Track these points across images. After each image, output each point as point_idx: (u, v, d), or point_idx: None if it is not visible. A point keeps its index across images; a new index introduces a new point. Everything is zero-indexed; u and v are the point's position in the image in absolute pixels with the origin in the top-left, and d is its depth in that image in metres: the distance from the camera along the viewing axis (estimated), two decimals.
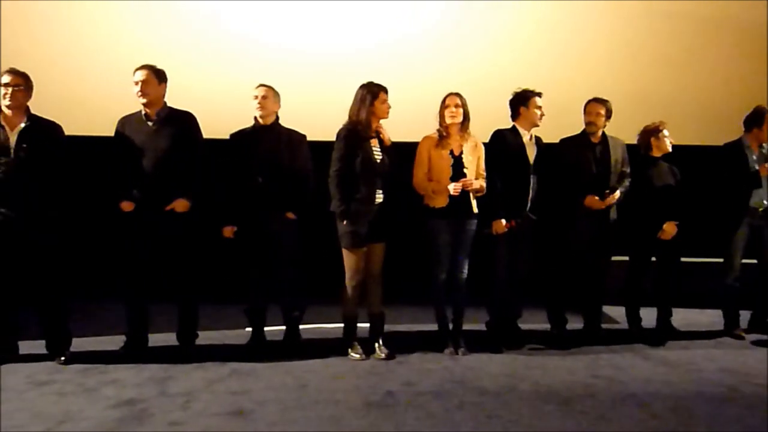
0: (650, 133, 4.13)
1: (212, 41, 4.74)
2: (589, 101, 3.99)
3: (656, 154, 4.12)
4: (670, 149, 4.11)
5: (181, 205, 3.57)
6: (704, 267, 5.00)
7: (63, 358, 3.53)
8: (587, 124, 3.98)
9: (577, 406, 3.06)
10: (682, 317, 4.41)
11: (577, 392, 3.23)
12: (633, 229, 4.11)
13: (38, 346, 3.62)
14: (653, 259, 4.16)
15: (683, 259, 4.22)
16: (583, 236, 3.96)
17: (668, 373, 3.53)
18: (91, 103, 4.47)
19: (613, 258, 4.14)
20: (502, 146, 3.85)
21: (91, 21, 4.64)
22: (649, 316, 4.25)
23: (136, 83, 3.52)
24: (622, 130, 4.12)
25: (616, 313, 4.51)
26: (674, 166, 4.15)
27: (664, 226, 4.02)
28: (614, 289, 4.22)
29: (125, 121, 3.62)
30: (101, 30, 4.65)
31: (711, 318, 4.59)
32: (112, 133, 3.64)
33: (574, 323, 4.15)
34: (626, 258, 4.26)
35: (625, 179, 4.04)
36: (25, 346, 3.64)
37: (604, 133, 4.03)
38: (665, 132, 4.10)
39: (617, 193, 3.96)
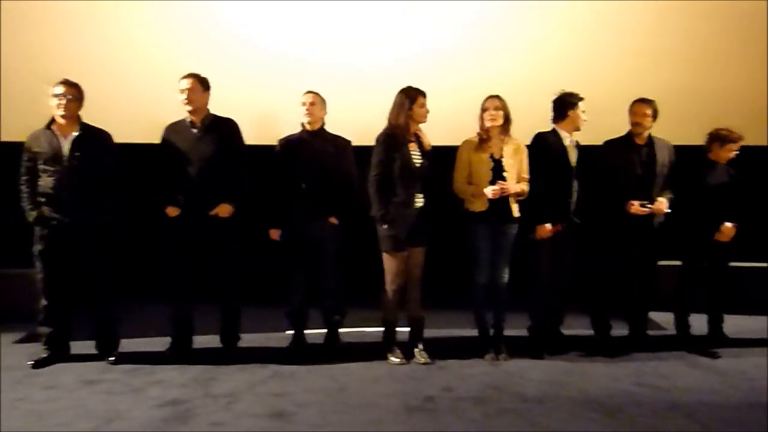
0: (716, 138, 3.96)
1: (257, 51, 4.81)
2: (635, 102, 3.89)
3: (715, 159, 3.99)
4: (729, 157, 3.97)
5: (224, 209, 3.64)
6: (757, 272, 4.83)
7: (112, 359, 3.65)
8: (633, 125, 3.88)
9: (622, 415, 2.99)
10: (733, 324, 4.24)
11: (621, 400, 3.15)
12: (686, 232, 3.99)
13: (88, 347, 3.75)
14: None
15: (735, 264, 4.08)
16: (627, 240, 3.86)
17: (718, 382, 3.41)
18: (136, 111, 4.60)
19: (661, 263, 4.03)
20: (544, 149, 3.79)
21: (137, 31, 4.77)
22: (698, 323, 4.12)
23: (182, 91, 3.62)
24: (671, 132, 4.01)
25: (664, 319, 4.38)
26: (731, 168, 4.01)
27: (722, 227, 3.89)
28: (662, 295, 4.10)
29: (171, 129, 3.72)
30: (148, 40, 4.77)
31: (763, 325, 4.41)
32: (156, 141, 3.74)
33: (620, 329, 4.05)
34: (674, 263, 4.14)
35: (674, 185, 3.92)
36: (76, 347, 3.77)
37: (650, 134, 3.93)
38: (733, 146, 3.93)
39: (664, 203, 3.84)
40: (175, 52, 4.73)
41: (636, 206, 3.80)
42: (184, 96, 3.61)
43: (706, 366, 3.66)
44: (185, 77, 3.64)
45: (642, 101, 3.87)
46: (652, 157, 3.87)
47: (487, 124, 3.66)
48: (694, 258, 4.03)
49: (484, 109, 3.67)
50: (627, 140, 3.91)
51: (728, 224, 3.89)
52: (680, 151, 4.06)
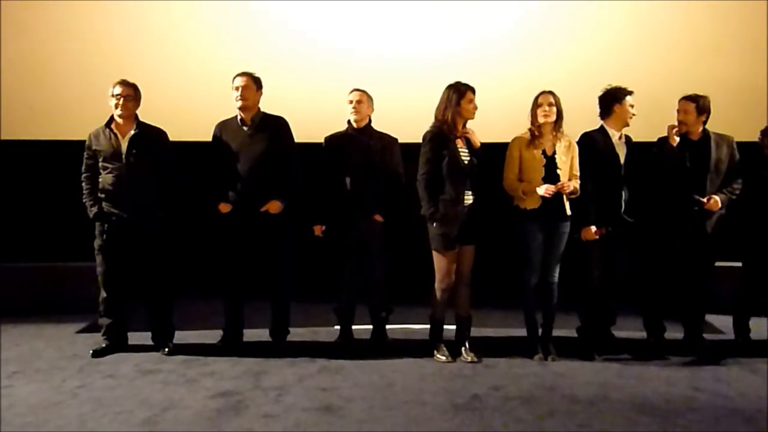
0: (765, 133, 3.85)
1: (302, 49, 4.88)
2: (680, 99, 3.76)
3: None
4: None
5: (274, 206, 3.71)
6: None
7: (167, 350, 3.77)
8: (678, 122, 3.75)
9: (677, 420, 2.89)
10: None
11: (676, 405, 3.05)
12: (748, 232, 3.84)
13: (145, 338, 3.88)
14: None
15: None
16: (678, 240, 3.73)
17: None
18: (188, 109, 4.73)
19: (722, 264, 3.89)
20: (592, 149, 3.70)
21: (187, 28, 4.90)
22: (758, 327, 3.95)
23: (237, 88, 3.68)
24: (731, 127, 3.86)
25: (722, 322, 4.22)
26: None
27: None
28: (720, 297, 3.96)
29: (222, 127, 3.80)
30: (198, 37, 4.90)
31: None
32: (207, 138, 3.82)
33: (675, 332, 3.93)
34: (733, 264, 3.99)
35: (734, 182, 3.78)
36: (134, 338, 3.91)
37: (705, 130, 3.79)
38: None
39: (717, 201, 3.70)
40: (225, 50, 4.84)
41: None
42: (239, 93, 3.67)
43: (766, 372, 3.51)
44: (240, 75, 3.71)
45: (685, 99, 3.72)
46: (706, 153, 3.72)
47: (541, 120, 3.60)
48: (756, 259, 3.87)
49: (537, 105, 3.61)
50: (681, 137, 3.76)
51: None
52: (741, 147, 3.91)
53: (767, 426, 2.84)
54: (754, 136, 3.93)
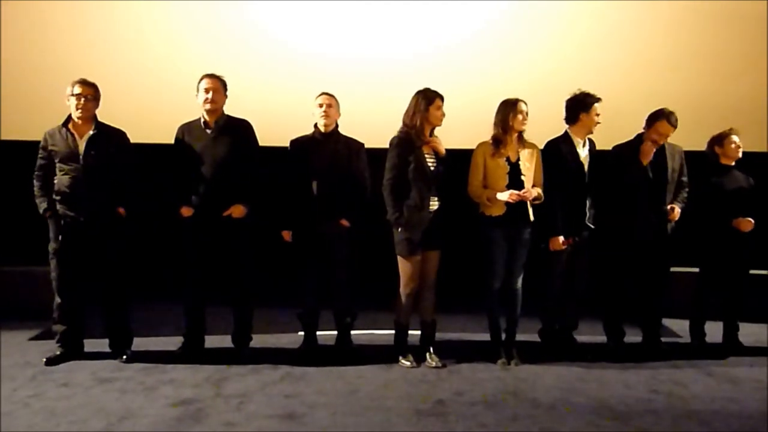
0: (713, 141, 4.00)
1: (267, 51, 4.84)
2: (661, 119, 3.74)
3: (726, 161, 3.96)
4: (738, 155, 3.94)
5: (237, 210, 3.65)
6: None
7: (125, 357, 3.67)
8: (652, 141, 3.76)
9: (636, 422, 2.96)
10: (749, 332, 4.21)
11: (635, 408, 3.12)
12: (703, 239, 3.95)
13: (102, 345, 3.77)
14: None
15: (752, 271, 4.03)
16: (639, 247, 3.82)
17: (733, 391, 3.37)
18: (150, 111, 4.64)
19: (678, 269, 3.99)
20: (557, 158, 3.75)
21: (149, 30, 4.82)
22: (713, 331, 4.07)
23: (206, 90, 3.61)
24: (689, 138, 3.98)
25: (679, 326, 4.33)
26: (749, 176, 3.97)
27: (739, 220, 3.85)
28: (677, 302, 4.06)
29: (185, 129, 3.73)
30: (159, 39, 4.82)
31: None
32: (170, 141, 3.75)
33: (634, 336, 4.01)
34: (689, 269, 4.10)
35: (683, 191, 3.89)
36: (90, 345, 3.79)
37: None
38: (733, 138, 3.93)
39: (677, 210, 3.81)
40: (188, 51, 4.78)
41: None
42: (208, 96, 3.61)
43: (721, 375, 3.61)
44: (209, 77, 3.64)
45: (669, 123, 3.72)
46: (663, 162, 3.82)
47: (518, 127, 3.62)
48: (711, 264, 3.99)
49: (518, 111, 3.60)
50: (637, 144, 3.83)
51: (745, 218, 3.85)
52: (696, 156, 4.03)
53: (722, 427, 2.92)
54: (702, 145, 4.06)
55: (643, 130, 3.85)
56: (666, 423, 2.96)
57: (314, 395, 3.22)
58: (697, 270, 4.08)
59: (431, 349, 3.74)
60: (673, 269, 4.00)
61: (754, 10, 4.77)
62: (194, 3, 4.81)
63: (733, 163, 3.98)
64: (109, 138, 3.61)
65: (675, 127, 3.74)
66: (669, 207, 3.80)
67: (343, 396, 3.22)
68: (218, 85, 3.64)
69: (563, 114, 3.83)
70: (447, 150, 3.66)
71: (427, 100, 3.55)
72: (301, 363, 3.67)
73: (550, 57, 4.85)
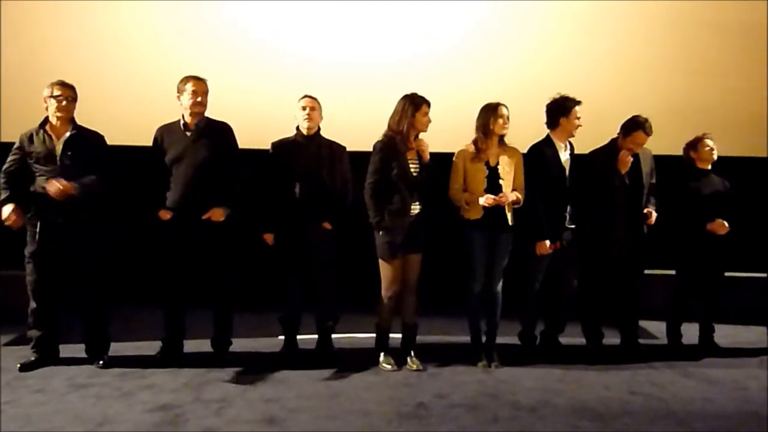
0: (689, 146, 4.08)
1: (248, 52, 4.80)
2: (637, 130, 3.78)
3: (702, 165, 4.03)
4: (714, 158, 4.01)
5: (217, 213, 3.62)
6: (749, 282, 4.87)
7: (102, 362, 3.61)
8: (628, 149, 3.81)
9: (614, 423, 2.99)
10: (725, 333, 4.28)
11: (613, 409, 3.15)
12: (679, 242, 4.01)
13: (78, 350, 3.71)
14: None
15: (727, 274, 4.10)
16: (616, 250, 3.86)
17: (710, 391, 3.42)
18: (128, 113, 4.59)
19: (653, 272, 4.05)
20: (541, 163, 3.78)
21: (129, 34, 4.77)
22: (689, 333, 4.13)
23: (195, 93, 3.58)
24: (663, 143, 4.04)
25: (656, 328, 4.39)
26: (725, 180, 4.04)
27: (714, 224, 3.91)
28: (654, 304, 4.12)
29: (164, 131, 3.69)
30: (137, 40, 4.77)
31: (756, 335, 4.43)
32: (147, 143, 3.71)
33: (612, 338, 4.06)
34: (665, 272, 4.16)
35: (651, 196, 3.95)
36: (66, 350, 3.73)
37: None
38: (707, 141, 4.00)
39: (654, 215, 3.87)
40: (167, 52, 4.72)
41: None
42: (198, 99, 3.58)
43: (698, 375, 3.67)
44: (197, 80, 3.61)
45: (645, 132, 3.77)
46: (638, 168, 3.88)
47: (499, 131, 3.64)
48: (688, 267, 4.05)
49: (499, 116, 3.62)
50: (613, 150, 3.88)
51: (720, 221, 3.91)
52: (672, 161, 4.10)
53: (700, 427, 2.96)
54: (678, 150, 4.12)
55: (617, 136, 3.90)
56: (644, 423, 2.99)
57: (295, 399, 3.20)
58: (673, 273, 4.14)
59: (412, 353, 3.74)
60: (649, 272, 4.05)
61: (732, 14, 4.86)
62: (175, 3, 4.77)
63: (709, 167, 4.05)
64: (86, 139, 3.56)
65: (650, 135, 3.80)
66: (646, 211, 3.86)
67: (324, 400, 3.21)
68: (206, 88, 3.62)
69: (543, 118, 3.86)
70: (430, 153, 3.66)
71: (415, 105, 3.55)
72: (282, 367, 3.65)
73: (534, 60, 4.89)
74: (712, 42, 4.88)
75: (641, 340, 4.12)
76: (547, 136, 3.87)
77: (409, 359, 3.72)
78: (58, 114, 3.50)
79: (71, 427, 2.85)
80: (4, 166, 3.56)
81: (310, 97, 3.80)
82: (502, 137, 3.70)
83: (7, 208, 3.46)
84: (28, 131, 3.55)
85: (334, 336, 3.96)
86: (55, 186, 3.40)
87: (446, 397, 3.27)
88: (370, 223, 3.61)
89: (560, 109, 3.80)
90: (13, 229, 3.48)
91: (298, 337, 3.94)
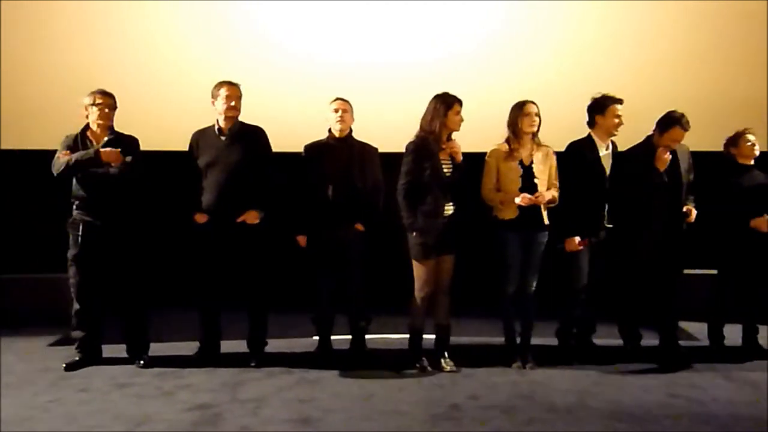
0: (729, 142, 3.96)
1: (277, 56, 4.84)
2: (674, 125, 3.71)
3: (744, 161, 3.92)
4: (755, 153, 3.90)
5: (251, 216, 3.68)
6: None
7: (142, 362, 3.71)
8: (665, 146, 3.72)
9: (653, 426, 2.93)
10: None
11: (653, 412, 3.09)
12: (722, 240, 3.91)
13: (120, 350, 3.81)
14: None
15: None
16: (653, 248, 3.78)
17: (753, 395, 3.32)
18: (164, 118, 4.68)
19: (694, 271, 3.95)
20: (577, 160, 3.73)
21: (166, 39, 4.85)
22: (732, 334, 4.02)
23: (229, 98, 3.64)
24: (700, 138, 3.94)
25: (698, 329, 4.28)
26: (765, 172, 3.92)
27: (758, 220, 3.80)
28: (695, 305, 4.01)
29: (199, 136, 3.77)
30: (177, 48, 4.85)
31: None
32: (183, 148, 3.78)
33: (651, 339, 3.97)
34: (707, 271, 4.06)
35: (690, 194, 3.85)
36: (108, 350, 3.83)
37: None
38: (748, 137, 3.89)
39: (694, 213, 3.78)
40: (201, 58, 4.79)
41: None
42: (232, 103, 3.65)
43: (740, 378, 3.56)
44: (230, 85, 3.68)
45: (682, 127, 3.70)
46: (677, 165, 3.79)
47: (527, 129, 3.61)
48: (731, 266, 3.94)
49: (525, 114, 3.60)
50: (649, 147, 3.79)
51: (761, 218, 3.80)
52: (711, 157, 3.99)
53: (741, 431, 2.88)
54: (717, 146, 4.02)
55: (652, 133, 3.82)
56: (684, 427, 2.93)
57: (329, 400, 3.23)
58: (714, 272, 4.03)
59: (446, 354, 3.73)
60: (690, 271, 3.96)
61: (761, 8, 4.71)
62: (210, 9, 4.84)
63: (752, 162, 3.93)
64: (124, 144, 3.65)
65: (687, 130, 3.71)
66: (686, 209, 3.77)
67: (357, 400, 3.22)
68: (239, 93, 3.69)
69: (575, 120, 3.82)
70: (462, 153, 3.64)
71: (446, 105, 3.54)
72: (316, 367, 3.68)
73: (562, 58, 4.83)
74: (749, 34, 4.74)
75: (682, 342, 4.02)
76: (588, 134, 3.81)
77: (442, 360, 3.71)
78: (99, 121, 3.61)
79: (113, 424, 2.93)
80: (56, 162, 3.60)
81: (342, 99, 3.83)
82: (535, 135, 3.66)
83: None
84: (71, 135, 3.66)
85: (367, 337, 3.98)
86: (110, 150, 3.50)
87: (480, 398, 3.25)
88: (403, 224, 3.61)
89: (596, 107, 3.76)
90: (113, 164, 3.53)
91: (332, 337, 3.97)
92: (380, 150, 3.93)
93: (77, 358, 3.70)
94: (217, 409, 3.10)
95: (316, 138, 3.89)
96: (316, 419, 3.00)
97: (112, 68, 4.69)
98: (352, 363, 3.77)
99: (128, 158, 3.58)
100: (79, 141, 3.63)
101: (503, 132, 3.69)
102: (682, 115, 3.71)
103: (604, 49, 4.81)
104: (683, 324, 4.15)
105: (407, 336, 3.79)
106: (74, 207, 3.64)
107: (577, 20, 4.85)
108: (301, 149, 3.89)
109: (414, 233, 3.58)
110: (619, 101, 3.73)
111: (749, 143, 3.90)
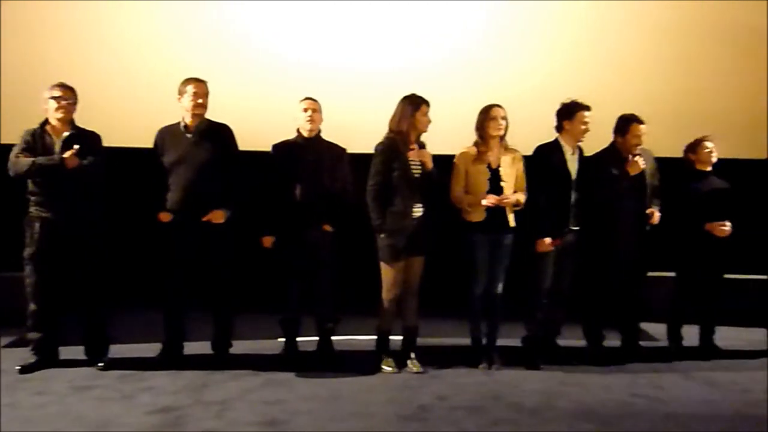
0: (688, 148, 4.08)
1: (247, 54, 4.80)
2: (632, 122, 3.85)
3: (702, 167, 4.03)
4: (713, 160, 4.01)
5: (217, 216, 3.62)
6: (749, 284, 4.86)
7: (102, 364, 3.60)
8: (632, 146, 3.83)
9: (616, 426, 2.98)
10: (725, 335, 4.27)
11: (615, 411, 3.15)
12: (679, 243, 4.01)
13: (78, 352, 3.70)
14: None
15: (728, 276, 4.10)
16: (618, 250, 3.86)
17: (711, 393, 3.42)
18: (127, 114, 4.59)
19: (654, 273, 4.04)
20: (545, 163, 3.78)
21: (131, 37, 4.76)
22: (689, 335, 4.12)
23: (197, 95, 3.59)
24: (664, 145, 4.03)
25: (657, 330, 4.38)
26: (723, 179, 4.04)
27: (713, 225, 3.91)
28: (655, 306, 4.11)
29: (164, 133, 3.69)
30: (139, 45, 4.76)
31: (755, 336, 4.43)
32: (147, 144, 3.70)
33: (613, 340, 4.05)
34: (666, 273, 4.16)
35: (655, 197, 3.95)
36: (66, 352, 3.71)
37: None
38: (706, 144, 4.01)
39: (657, 215, 3.87)
40: (167, 54, 4.71)
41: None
42: (200, 100, 3.59)
43: (700, 378, 3.66)
44: (198, 81, 3.62)
45: (638, 121, 3.83)
46: (642, 170, 3.87)
47: (494, 133, 3.64)
48: (688, 269, 4.05)
49: (491, 118, 3.64)
50: (614, 152, 3.89)
51: (722, 223, 3.91)
52: (673, 163, 4.10)
53: (701, 429, 2.96)
54: (679, 152, 4.13)
55: (613, 138, 3.91)
56: (646, 426, 2.99)
57: (296, 401, 3.19)
58: (674, 274, 4.14)
59: (413, 355, 3.73)
60: (651, 273, 4.05)
61: (732, 16, 4.87)
62: (176, 4, 4.76)
63: (709, 169, 4.05)
64: (84, 139, 3.54)
65: (644, 123, 3.83)
66: (649, 211, 3.86)
67: (325, 402, 3.20)
68: (207, 90, 3.63)
69: (545, 124, 3.86)
70: (434, 156, 3.65)
71: (414, 105, 3.55)
72: (283, 369, 3.64)
73: (536, 63, 4.89)
74: (712, 44, 4.89)
75: (642, 342, 4.12)
76: (555, 139, 3.87)
77: (409, 362, 3.71)
78: (58, 115, 3.50)
79: (72, 429, 2.84)
80: (13, 152, 3.49)
81: (312, 99, 3.80)
82: (503, 139, 3.70)
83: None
84: (30, 129, 3.54)
85: (334, 338, 3.95)
86: (69, 155, 3.38)
87: (447, 399, 3.26)
88: (372, 225, 3.59)
89: (564, 113, 3.82)
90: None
91: (299, 339, 3.93)
92: (350, 151, 3.91)
93: (33, 360, 3.58)
94: (181, 411, 3.04)
95: (285, 137, 3.85)
96: (283, 421, 2.96)
97: (76, 62, 4.57)
98: (319, 365, 3.74)
99: (85, 161, 3.46)
100: (38, 136, 3.51)
101: (473, 135, 3.71)
102: (632, 113, 3.84)
103: (574, 56, 4.89)
104: (644, 325, 4.24)
105: (375, 337, 3.78)
106: (31, 203, 3.51)
107: (551, 26, 4.92)
108: (268, 148, 3.84)
109: (382, 234, 3.58)
110: (587, 108, 3.80)
111: (707, 150, 4.01)
